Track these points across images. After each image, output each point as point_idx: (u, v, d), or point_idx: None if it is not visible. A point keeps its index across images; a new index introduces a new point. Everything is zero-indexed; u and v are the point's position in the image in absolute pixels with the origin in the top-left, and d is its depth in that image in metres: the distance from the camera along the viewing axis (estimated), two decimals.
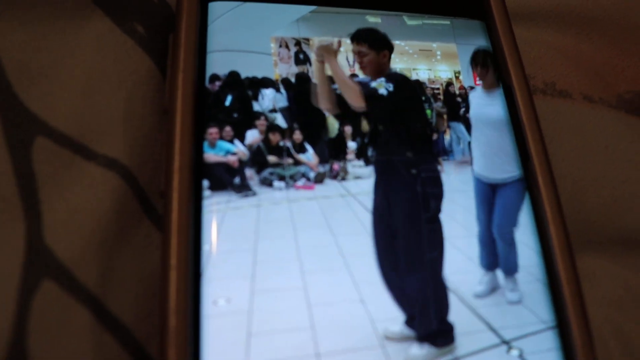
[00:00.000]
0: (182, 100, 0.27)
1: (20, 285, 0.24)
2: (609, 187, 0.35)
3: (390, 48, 0.32)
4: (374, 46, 0.32)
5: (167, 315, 0.23)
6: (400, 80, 0.32)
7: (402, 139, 0.31)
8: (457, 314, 0.27)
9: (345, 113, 0.31)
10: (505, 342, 0.27)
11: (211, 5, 0.30)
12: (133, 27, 0.31)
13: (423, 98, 0.33)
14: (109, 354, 0.25)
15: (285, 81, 0.31)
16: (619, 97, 0.38)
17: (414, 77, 0.33)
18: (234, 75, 0.30)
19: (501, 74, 0.33)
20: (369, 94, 0.31)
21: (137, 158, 0.29)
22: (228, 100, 0.29)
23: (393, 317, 0.27)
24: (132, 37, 0.31)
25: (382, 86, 0.32)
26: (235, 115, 0.29)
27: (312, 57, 0.32)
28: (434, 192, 0.30)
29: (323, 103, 0.31)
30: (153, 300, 0.26)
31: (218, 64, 0.29)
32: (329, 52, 0.31)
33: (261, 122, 0.30)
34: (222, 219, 0.26)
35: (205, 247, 0.25)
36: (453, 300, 0.28)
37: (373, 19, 0.33)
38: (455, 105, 0.34)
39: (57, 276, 0.25)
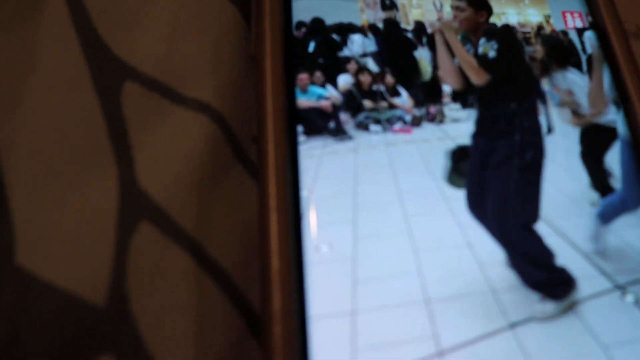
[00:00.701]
0: (270, 46, 0.26)
1: (117, 227, 0.24)
2: None
3: (489, 10, 0.32)
4: (472, 3, 0.31)
5: (269, 257, 0.22)
6: (502, 35, 0.31)
7: (507, 93, 0.30)
8: (565, 259, 0.26)
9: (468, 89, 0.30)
10: (620, 287, 0.26)
11: None
12: None
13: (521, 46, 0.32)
14: (210, 299, 0.24)
15: (373, 27, 0.30)
16: None
17: (503, 21, 0.32)
18: (316, 22, 0.29)
19: (594, 17, 0.32)
20: (483, 64, 0.31)
21: (228, 103, 0.28)
22: (311, 46, 0.29)
23: (502, 260, 0.26)
24: None
25: (488, 49, 0.31)
26: (321, 60, 0.28)
27: (399, 2, 0.31)
28: (533, 142, 0.29)
29: (449, 78, 0.30)
30: (249, 247, 0.26)
31: (304, 11, 0.29)
32: (449, 29, 0.31)
33: (352, 66, 0.29)
34: (319, 164, 0.26)
35: (303, 192, 0.25)
36: (562, 245, 0.27)
37: None
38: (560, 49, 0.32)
39: (154, 218, 0.24)
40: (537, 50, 0.32)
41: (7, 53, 0.26)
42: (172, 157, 0.26)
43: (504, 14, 0.32)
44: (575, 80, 0.32)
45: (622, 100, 0.30)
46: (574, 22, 0.33)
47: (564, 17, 0.32)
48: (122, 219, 0.24)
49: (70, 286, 0.22)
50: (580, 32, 0.31)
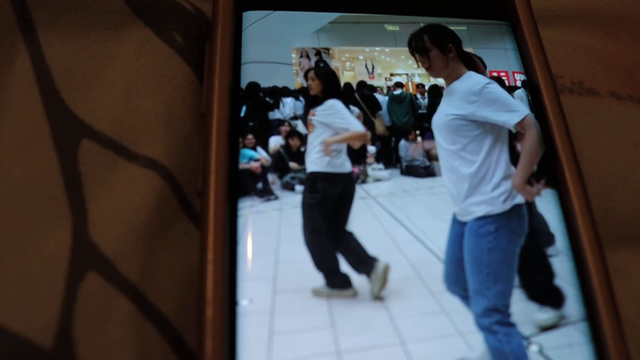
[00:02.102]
0: (218, 105, 0.29)
1: (67, 276, 0.26)
2: (638, 184, 0.35)
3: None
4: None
5: (204, 306, 0.25)
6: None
7: None
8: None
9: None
10: (525, 338, 0.28)
11: (245, 14, 0.32)
12: (172, 37, 0.33)
13: None
14: (150, 343, 0.27)
15: (304, 90, 0.32)
16: None
17: (432, 81, 0.34)
18: (251, 86, 0.31)
19: (528, 75, 0.33)
20: None
21: (176, 159, 0.31)
22: (242, 111, 0.31)
23: (414, 314, 0.28)
24: (170, 46, 0.33)
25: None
26: (251, 124, 0.31)
27: (333, 65, 0.33)
28: None
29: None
30: (191, 294, 0.28)
31: (253, 73, 0.31)
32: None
33: (284, 128, 0.32)
34: (246, 223, 0.28)
35: (240, 247, 0.27)
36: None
37: (391, 27, 0.34)
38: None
39: (101, 268, 0.27)
40: None
41: None
42: (123, 211, 0.29)
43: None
44: None
45: (551, 157, 0.31)
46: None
47: (492, 76, 0.34)
48: (72, 268, 0.27)
49: (20, 329, 0.25)
50: (508, 91, 0.33)
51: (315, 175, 0.31)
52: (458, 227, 0.30)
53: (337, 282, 0.28)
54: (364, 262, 0.29)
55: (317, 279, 0.28)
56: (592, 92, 0.38)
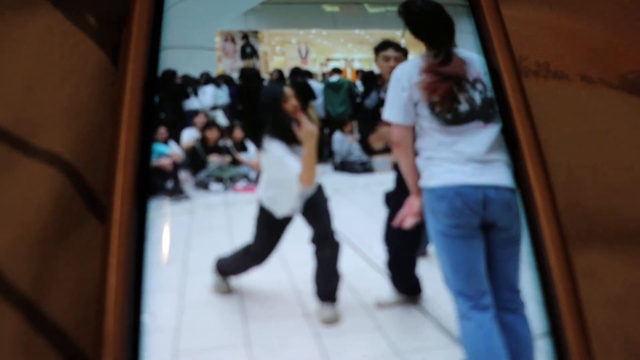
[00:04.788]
0: (130, 93, 0.25)
1: None
2: (609, 176, 0.32)
3: None
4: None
5: (104, 317, 0.21)
6: None
7: None
8: None
9: None
10: None
11: None
12: (84, 19, 0.30)
13: None
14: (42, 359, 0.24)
15: (225, 77, 0.29)
16: (621, 77, 0.35)
17: (372, 67, 0.31)
18: (167, 74, 0.28)
19: (487, 57, 0.31)
20: None
21: (83, 154, 0.28)
22: (155, 100, 0.28)
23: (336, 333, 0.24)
24: (82, 29, 0.30)
25: None
26: (163, 115, 0.27)
27: (261, 49, 0.30)
28: None
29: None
30: (94, 304, 0.25)
31: (173, 60, 0.28)
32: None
33: (200, 119, 0.28)
34: (151, 227, 0.24)
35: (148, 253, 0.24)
36: None
37: (330, 8, 0.31)
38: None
39: None
40: None
41: None
42: (16, 212, 0.25)
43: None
44: None
45: (511, 144, 0.28)
46: None
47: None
48: None
49: None
50: None
51: None
52: None
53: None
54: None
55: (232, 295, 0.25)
56: (559, 75, 0.35)
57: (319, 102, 0.30)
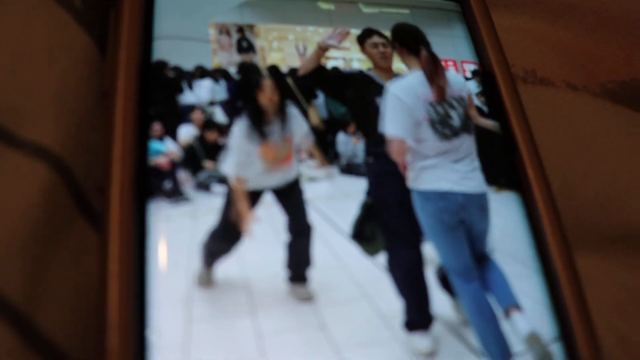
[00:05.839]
0: (124, 83, 0.23)
1: None
2: (600, 182, 0.32)
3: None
4: None
5: (105, 333, 0.19)
6: None
7: None
8: None
9: None
10: None
11: None
12: (69, 0, 0.27)
13: None
14: None
15: (223, 71, 0.27)
16: (602, 86, 0.36)
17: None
18: (159, 65, 0.26)
19: (481, 61, 0.30)
20: None
21: (71, 147, 0.25)
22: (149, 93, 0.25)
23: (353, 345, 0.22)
24: (67, 11, 0.27)
25: None
26: (152, 110, 0.25)
27: (258, 44, 0.28)
28: None
29: None
30: (90, 316, 0.22)
31: (166, 50, 0.25)
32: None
33: (197, 116, 0.26)
34: (149, 232, 0.22)
35: (151, 258, 0.21)
36: None
37: (326, 6, 0.30)
38: None
39: None
40: None
41: None
42: (2, 214, 0.22)
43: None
44: None
45: (510, 150, 0.28)
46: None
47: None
48: None
49: None
50: None
51: None
52: None
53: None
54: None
55: (241, 302, 0.22)
56: (546, 82, 0.35)
57: (320, 102, 0.28)
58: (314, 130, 0.28)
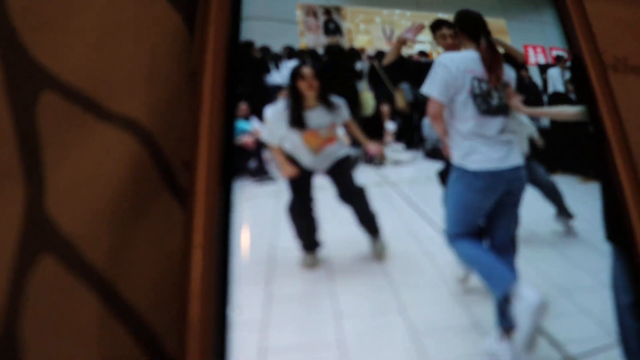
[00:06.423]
0: (213, 62, 0.24)
1: (15, 261, 0.22)
2: None
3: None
4: None
5: (188, 301, 0.20)
6: None
7: None
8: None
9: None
10: (570, 358, 0.24)
11: None
12: None
13: None
14: (119, 348, 0.22)
15: (311, 52, 0.27)
16: None
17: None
18: (246, 45, 0.26)
19: (571, 48, 0.29)
20: None
21: (160, 121, 0.26)
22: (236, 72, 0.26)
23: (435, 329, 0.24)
24: None
25: None
26: (240, 89, 0.25)
27: (345, 26, 0.28)
28: None
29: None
30: (172, 286, 0.23)
31: (252, 31, 0.26)
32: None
33: (284, 96, 0.27)
34: (236, 209, 0.23)
35: (234, 231, 0.22)
36: None
37: None
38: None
39: (59, 252, 0.22)
40: None
41: None
42: (90, 181, 0.24)
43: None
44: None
45: (598, 139, 0.28)
46: (537, 57, 0.30)
47: (526, 51, 0.30)
48: (22, 252, 0.22)
49: None
50: (542, 68, 0.29)
51: None
52: None
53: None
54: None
55: (322, 282, 0.24)
56: (637, 70, 0.34)
57: (406, 87, 0.28)
58: (400, 113, 0.29)
